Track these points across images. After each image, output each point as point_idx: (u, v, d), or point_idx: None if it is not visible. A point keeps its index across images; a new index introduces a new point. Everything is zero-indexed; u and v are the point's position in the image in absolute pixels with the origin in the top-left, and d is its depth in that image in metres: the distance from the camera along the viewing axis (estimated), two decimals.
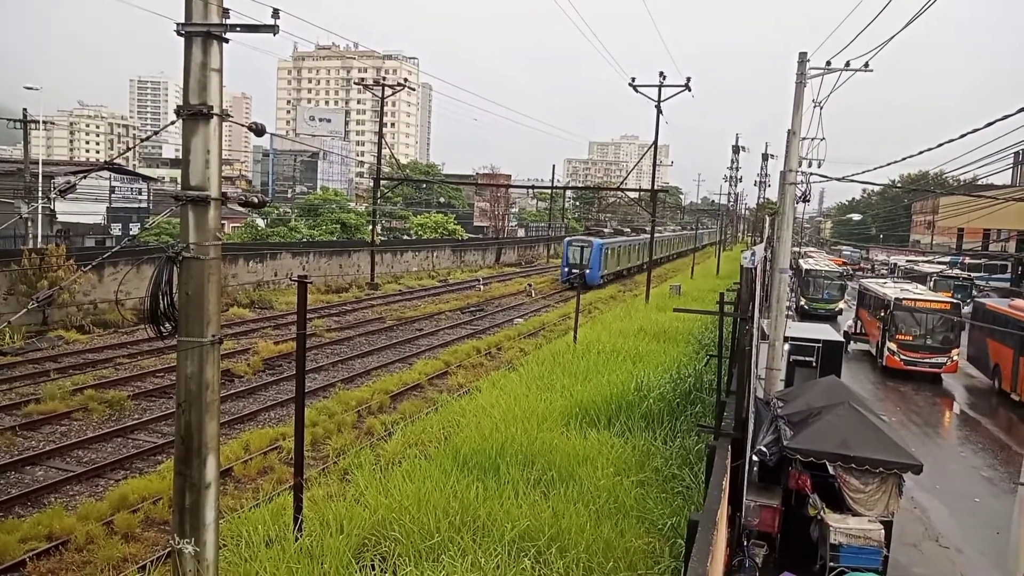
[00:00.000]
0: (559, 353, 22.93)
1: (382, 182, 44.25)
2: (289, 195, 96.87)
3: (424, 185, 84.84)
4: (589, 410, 15.77)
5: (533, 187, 63.15)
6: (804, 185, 15.51)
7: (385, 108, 44.73)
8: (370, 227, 52.15)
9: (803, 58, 15.66)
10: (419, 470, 12.04)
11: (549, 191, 78.85)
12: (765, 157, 73.36)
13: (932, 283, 43.01)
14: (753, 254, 10.98)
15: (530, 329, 33.52)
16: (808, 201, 16.73)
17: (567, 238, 56.31)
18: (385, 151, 43.74)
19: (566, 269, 51.15)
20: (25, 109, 36.23)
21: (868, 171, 17.49)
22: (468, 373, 24.41)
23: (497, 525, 10.01)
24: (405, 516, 10.15)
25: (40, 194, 35.20)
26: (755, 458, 11.22)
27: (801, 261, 47.19)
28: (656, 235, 53.97)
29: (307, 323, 10.83)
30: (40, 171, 37.18)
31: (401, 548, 9.58)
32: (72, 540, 11.68)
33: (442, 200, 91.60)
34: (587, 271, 49.38)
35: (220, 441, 7.33)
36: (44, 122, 44.82)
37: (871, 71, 15.22)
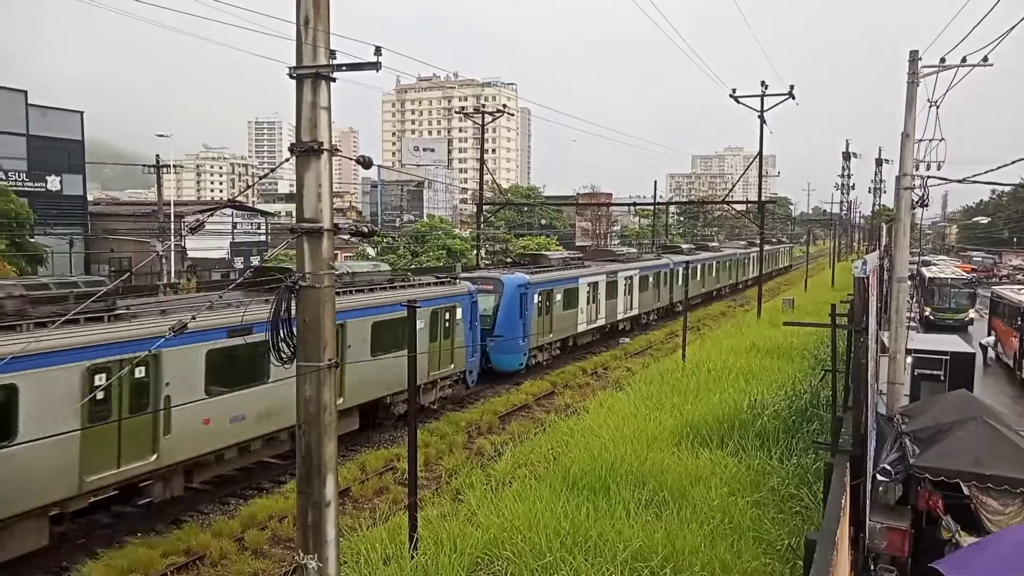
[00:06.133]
0: (667, 372, 22.62)
1: (485, 207, 45.06)
2: (397, 224, 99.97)
3: (526, 208, 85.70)
4: (700, 429, 15.47)
5: (634, 204, 62.03)
6: (921, 189, 14.72)
7: (486, 135, 45.73)
8: (475, 252, 53.11)
9: (914, 56, 14.92)
10: (529, 490, 12.15)
11: (651, 207, 77.88)
12: (879, 162, 69.98)
13: None
14: (865, 263, 10.50)
15: (636, 348, 33.16)
16: (927, 206, 15.82)
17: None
18: (487, 177, 44.54)
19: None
20: (157, 155, 39.07)
21: (991, 170, 16.06)
22: (575, 393, 24.39)
23: (609, 545, 9.96)
24: (517, 536, 10.26)
25: (172, 233, 37.86)
26: (879, 477, 10.67)
27: (923, 269, 44.52)
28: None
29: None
30: (172, 211, 39.97)
31: (514, 568, 9.68)
32: (208, 556, 12.45)
33: (544, 222, 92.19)
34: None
35: (338, 462, 7.66)
36: (174, 166, 48.16)
37: (990, 65, 14.33)
